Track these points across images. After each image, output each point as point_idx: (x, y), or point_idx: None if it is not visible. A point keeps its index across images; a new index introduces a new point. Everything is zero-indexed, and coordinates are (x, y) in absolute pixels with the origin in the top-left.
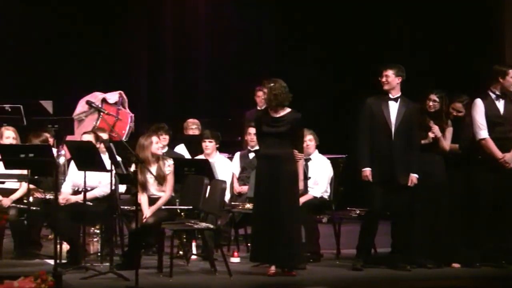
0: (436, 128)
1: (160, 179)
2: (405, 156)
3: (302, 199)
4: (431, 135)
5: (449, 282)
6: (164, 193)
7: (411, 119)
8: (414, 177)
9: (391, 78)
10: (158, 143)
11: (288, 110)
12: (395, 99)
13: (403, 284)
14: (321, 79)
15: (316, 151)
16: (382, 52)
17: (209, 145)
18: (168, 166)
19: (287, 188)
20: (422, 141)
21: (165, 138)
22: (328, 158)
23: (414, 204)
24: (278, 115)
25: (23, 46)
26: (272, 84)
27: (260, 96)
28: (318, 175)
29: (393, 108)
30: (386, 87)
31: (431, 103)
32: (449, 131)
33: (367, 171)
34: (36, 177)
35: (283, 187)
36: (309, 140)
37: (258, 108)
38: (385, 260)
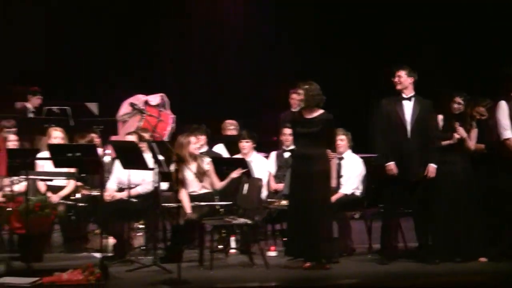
0: (461, 129)
1: (200, 175)
2: (421, 153)
3: (335, 197)
4: (456, 135)
5: (475, 277)
6: (208, 190)
7: (425, 116)
8: (432, 167)
9: (404, 78)
10: (195, 143)
11: (320, 111)
12: (409, 98)
13: (430, 278)
14: (355, 80)
15: (349, 150)
16: (413, 51)
17: (246, 145)
18: (207, 163)
19: (320, 186)
20: (447, 142)
21: (202, 138)
22: (361, 157)
23: (438, 201)
24: (311, 116)
25: (71, 51)
26: (307, 86)
27: (294, 98)
28: (350, 173)
29: (408, 107)
30: (399, 87)
31: (456, 105)
32: (474, 131)
33: (391, 164)
34: (83, 175)
35: (316, 185)
36: (341, 140)
37: (292, 109)
38: (413, 254)
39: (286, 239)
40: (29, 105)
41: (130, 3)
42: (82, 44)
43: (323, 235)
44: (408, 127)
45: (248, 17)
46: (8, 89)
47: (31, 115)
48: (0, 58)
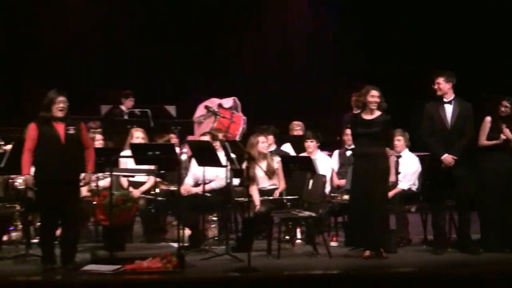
0: (507, 131)
1: (270, 173)
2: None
3: (393, 192)
4: (502, 136)
5: None
6: (276, 186)
7: (465, 117)
8: (449, 156)
9: (442, 85)
10: (264, 143)
11: (379, 113)
12: (449, 102)
13: (481, 267)
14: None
15: (407, 149)
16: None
17: (311, 144)
18: (276, 162)
19: (381, 182)
20: (494, 142)
21: (270, 138)
22: (418, 156)
23: (484, 197)
24: (371, 118)
25: (152, 58)
26: (373, 91)
27: (359, 101)
28: (407, 170)
29: (448, 110)
30: (439, 93)
31: (503, 109)
32: None
33: (447, 156)
34: (162, 171)
35: (378, 181)
36: (398, 140)
37: (354, 111)
38: (464, 245)
39: (347, 230)
40: (123, 107)
41: (205, 11)
42: (161, 51)
43: (382, 227)
44: (449, 127)
45: (316, 28)
46: (103, 93)
47: (125, 116)
48: (95, 64)
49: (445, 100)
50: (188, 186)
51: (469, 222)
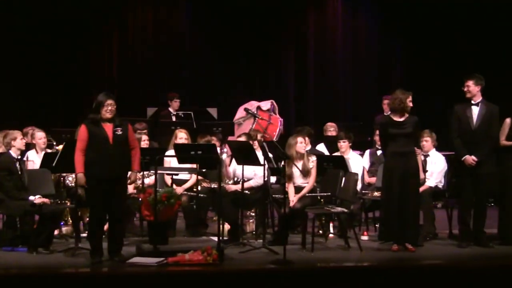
0: None
1: (305, 172)
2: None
3: (421, 188)
4: None
5: None
6: (308, 184)
7: (491, 119)
8: (470, 158)
9: (472, 88)
10: (302, 143)
11: (407, 115)
12: (477, 104)
13: (498, 260)
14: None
15: (434, 149)
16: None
17: (343, 144)
18: (312, 162)
19: (412, 179)
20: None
21: (306, 139)
22: (444, 155)
23: (507, 194)
24: (402, 119)
25: (195, 65)
26: (410, 96)
27: (386, 104)
28: (434, 169)
29: (475, 111)
30: (468, 95)
31: None
32: None
33: (469, 157)
34: (203, 170)
35: (409, 178)
36: (425, 140)
37: (385, 113)
38: (488, 239)
39: (381, 225)
40: (171, 109)
41: (247, 22)
42: (205, 59)
43: (414, 221)
44: (474, 127)
45: (351, 36)
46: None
47: (173, 117)
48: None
49: (472, 102)
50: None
51: (485, 218)
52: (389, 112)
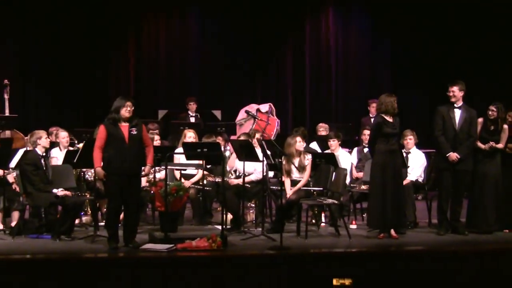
0: (488, 145)
1: (301, 168)
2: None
3: (404, 182)
4: (486, 147)
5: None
6: (303, 178)
7: (471, 121)
8: (454, 154)
9: (457, 93)
10: (300, 142)
11: (393, 116)
12: (459, 107)
13: (476, 246)
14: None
15: (415, 147)
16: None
17: (333, 143)
18: (307, 159)
19: (400, 173)
20: (483, 147)
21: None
22: (424, 152)
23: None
24: (393, 120)
25: (203, 72)
26: (394, 97)
27: (374, 108)
28: (415, 164)
29: (457, 114)
30: (452, 100)
31: (490, 112)
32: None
33: (453, 154)
34: (209, 166)
35: (399, 173)
36: (409, 139)
37: (371, 115)
38: (453, 226)
39: (367, 214)
40: (189, 112)
41: (251, 33)
42: (210, 65)
43: (399, 211)
44: (457, 129)
45: (343, 45)
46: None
47: (192, 119)
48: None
49: (455, 105)
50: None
51: (461, 209)
52: (375, 114)
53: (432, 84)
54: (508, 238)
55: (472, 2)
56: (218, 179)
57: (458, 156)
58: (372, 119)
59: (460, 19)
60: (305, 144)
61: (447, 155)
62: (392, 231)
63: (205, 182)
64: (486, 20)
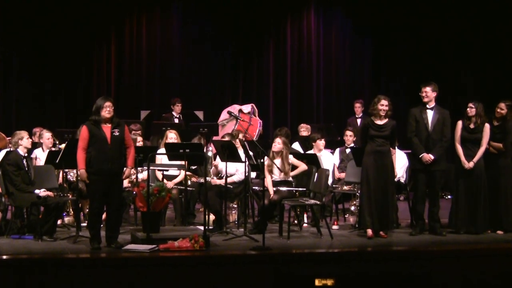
0: (468, 164)
1: (283, 168)
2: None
3: None
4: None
5: (489, 245)
6: (285, 179)
7: (443, 121)
8: (427, 155)
9: (430, 94)
10: (280, 144)
11: (386, 119)
12: (431, 108)
13: (448, 246)
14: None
15: (397, 148)
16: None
17: (320, 143)
18: (289, 159)
19: (390, 174)
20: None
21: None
22: (406, 153)
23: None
24: (382, 123)
25: (185, 73)
26: (383, 100)
27: (359, 107)
28: (396, 165)
29: (430, 115)
30: (425, 100)
31: (468, 109)
32: (486, 131)
33: (426, 155)
34: (194, 167)
35: (387, 174)
36: None
37: (356, 116)
38: (432, 227)
39: (360, 214)
40: (174, 113)
41: (233, 34)
42: (196, 67)
43: (390, 210)
44: (430, 129)
45: (324, 44)
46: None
47: (176, 120)
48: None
49: (428, 106)
50: (213, 178)
51: (438, 209)
52: (361, 114)
53: (414, 85)
54: (491, 238)
55: (452, 1)
56: (202, 180)
57: (432, 157)
58: (358, 120)
59: (441, 19)
60: (281, 146)
61: (420, 156)
62: (381, 232)
63: (189, 182)
64: (469, 18)
